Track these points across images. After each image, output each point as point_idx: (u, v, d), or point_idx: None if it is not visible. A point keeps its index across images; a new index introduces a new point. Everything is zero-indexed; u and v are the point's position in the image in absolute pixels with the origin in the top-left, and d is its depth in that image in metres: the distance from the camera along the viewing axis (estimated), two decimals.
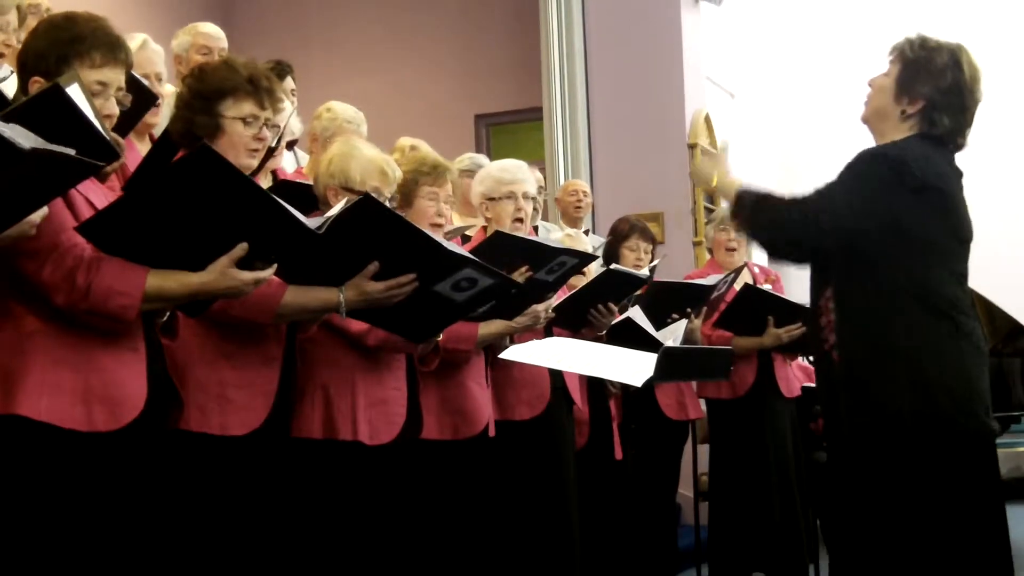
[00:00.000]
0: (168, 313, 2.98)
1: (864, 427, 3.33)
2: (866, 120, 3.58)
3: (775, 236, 3.51)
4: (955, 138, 3.47)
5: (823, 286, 3.50)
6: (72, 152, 2.24)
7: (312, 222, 2.83)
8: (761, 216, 3.49)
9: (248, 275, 2.77)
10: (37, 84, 2.70)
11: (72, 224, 2.62)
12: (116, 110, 2.85)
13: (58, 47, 2.75)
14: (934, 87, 3.42)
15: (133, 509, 2.78)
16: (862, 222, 3.31)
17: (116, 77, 2.83)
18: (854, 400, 3.35)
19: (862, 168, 3.38)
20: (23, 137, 2.17)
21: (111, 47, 2.81)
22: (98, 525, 2.68)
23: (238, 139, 3.18)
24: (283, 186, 3.74)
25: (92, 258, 2.63)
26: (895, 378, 3.28)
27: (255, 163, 3.25)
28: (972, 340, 3.35)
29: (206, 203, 2.61)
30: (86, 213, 2.67)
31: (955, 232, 3.41)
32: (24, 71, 2.78)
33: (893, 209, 3.30)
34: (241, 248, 2.72)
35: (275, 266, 2.88)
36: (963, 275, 3.44)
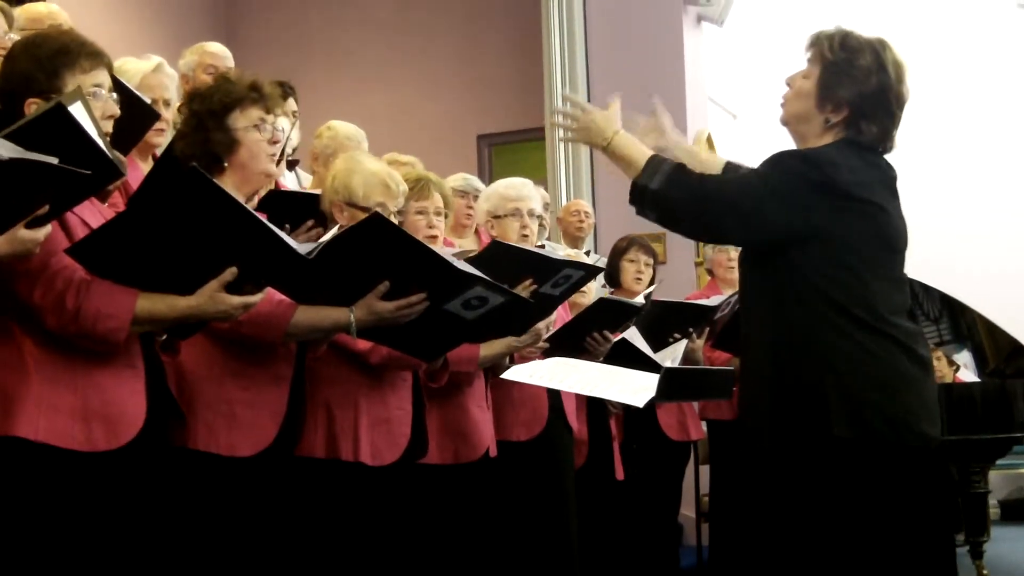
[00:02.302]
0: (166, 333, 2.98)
1: (794, 452, 3.13)
2: (786, 123, 3.34)
3: (690, 211, 3.22)
4: (883, 143, 3.25)
5: (748, 295, 3.32)
6: (55, 160, 2.24)
7: (303, 247, 2.83)
8: (681, 185, 3.20)
9: (237, 300, 2.76)
10: (35, 105, 2.69)
11: (65, 246, 2.62)
12: (117, 109, 2.85)
13: (45, 63, 2.74)
14: (858, 92, 3.18)
15: (135, 529, 2.77)
16: (785, 226, 3.12)
17: (106, 78, 2.84)
18: (782, 422, 3.14)
19: (789, 169, 3.16)
20: (1, 147, 2.17)
21: (93, 51, 2.82)
22: (100, 546, 2.67)
23: (256, 147, 3.20)
24: (275, 196, 3.70)
25: (82, 281, 2.63)
26: (826, 399, 3.06)
27: (275, 168, 3.27)
28: (907, 349, 3.14)
29: (196, 226, 2.61)
30: (81, 234, 2.67)
31: (883, 240, 3.20)
32: (12, 97, 2.76)
33: (818, 217, 3.10)
34: (230, 272, 2.72)
35: (266, 291, 2.88)
36: (897, 282, 3.23)
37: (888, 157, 3.32)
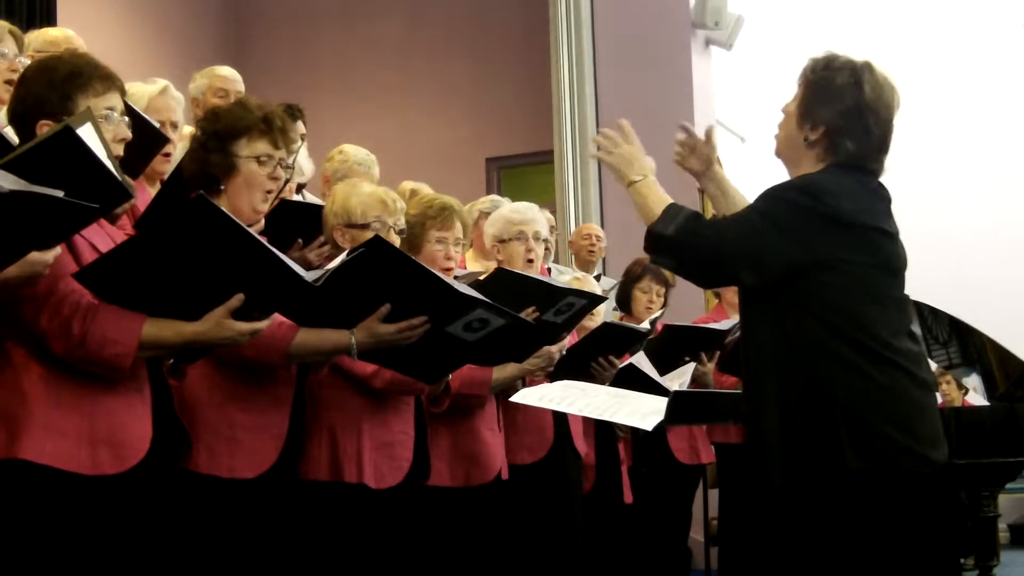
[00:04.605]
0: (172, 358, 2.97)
1: (809, 486, 3.10)
2: (778, 154, 3.35)
3: (701, 260, 3.25)
4: (864, 162, 3.23)
5: (749, 327, 3.32)
6: (60, 194, 2.24)
7: (310, 275, 2.83)
8: (694, 234, 3.20)
9: (244, 326, 2.75)
10: (47, 127, 2.69)
11: (73, 269, 2.62)
12: (129, 133, 2.86)
13: (58, 86, 2.75)
14: (834, 110, 3.19)
15: (139, 553, 2.76)
16: (794, 261, 3.11)
17: (118, 102, 2.85)
18: (794, 457, 3.12)
19: (791, 204, 3.14)
20: (3, 179, 2.17)
21: (106, 74, 2.83)
22: (104, 569, 2.66)
23: (253, 178, 3.18)
24: (286, 207, 3.68)
25: (89, 306, 2.62)
26: (837, 432, 3.05)
27: (267, 208, 3.25)
28: (909, 374, 3.13)
29: (202, 253, 2.60)
30: (89, 257, 2.67)
31: (885, 264, 3.20)
32: (25, 120, 2.77)
33: (821, 247, 3.10)
34: (237, 299, 2.71)
35: (272, 317, 2.88)
36: (897, 303, 3.23)
37: (892, 176, 3.31)
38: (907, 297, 3.29)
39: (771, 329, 3.18)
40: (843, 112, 3.19)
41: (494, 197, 5.80)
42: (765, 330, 3.20)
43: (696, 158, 3.54)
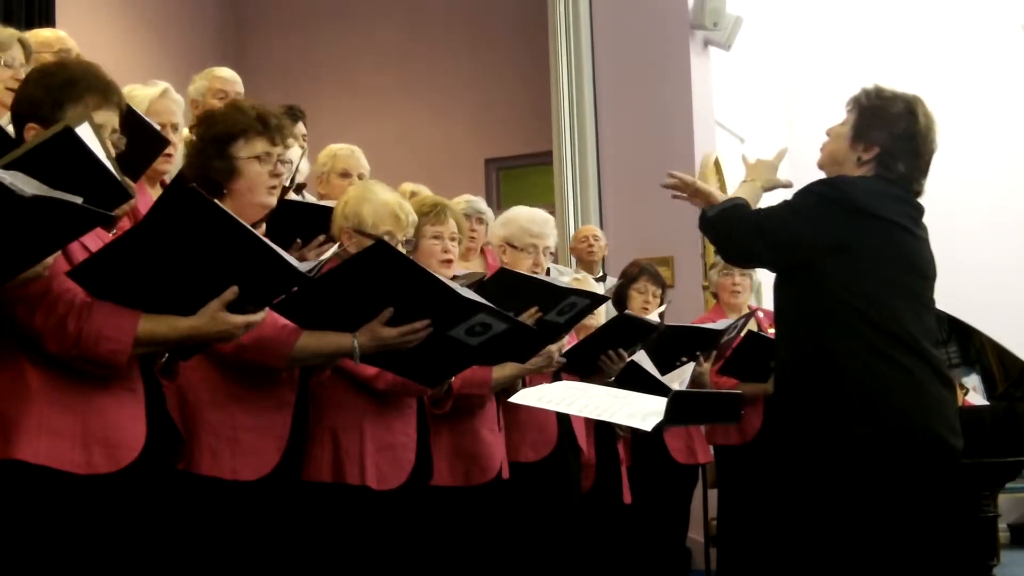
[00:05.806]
0: (166, 355, 2.96)
1: (817, 448, 3.36)
2: (822, 166, 3.70)
3: (726, 236, 3.66)
4: (909, 183, 3.56)
5: (778, 305, 3.63)
6: (79, 200, 2.23)
7: (304, 265, 2.82)
8: (726, 215, 3.61)
9: (239, 319, 2.74)
10: (33, 131, 2.69)
11: (65, 269, 2.60)
12: (112, 152, 2.84)
13: (52, 92, 2.74)
14: (888, 134, 3.53)
15: (136, 553, 2.76)
16: (806, 241, 3.44)
17: (110, 119, 2.82)
18: (803, 422, 3.41)
19: (809, 191, 3.51)
20: (25, 184, 2.16)
21: (104, 90, 2.81)
22: (100, 569, 2.66)
23: (255, 178, 3.19)
24: (286, 207, 3.67)
25: (83, 304, 2.61)
26: (844, 399, 3.31)
27: (274, 201, 3.25)
28: (926, 360, 3.38)
29: (195, 246, 2.59)
30: (81, 257, 2.66)
31: (910, 261, 3.49)
32: (19, 120, 2.76)
33: (837, 230, 3.41)
34: (231, 292, 2.69)
35: (267, 310, 2.86)
36: (927, 307, 3.50)
37: None
38: (934, 304, 3.56)
39: (800, 312, 3.51)
40: (897, 136, 3.54)
41: (469, 197, 5.81)
42: (794, 314, 3.54)
43: (699, 196, 3.82)
